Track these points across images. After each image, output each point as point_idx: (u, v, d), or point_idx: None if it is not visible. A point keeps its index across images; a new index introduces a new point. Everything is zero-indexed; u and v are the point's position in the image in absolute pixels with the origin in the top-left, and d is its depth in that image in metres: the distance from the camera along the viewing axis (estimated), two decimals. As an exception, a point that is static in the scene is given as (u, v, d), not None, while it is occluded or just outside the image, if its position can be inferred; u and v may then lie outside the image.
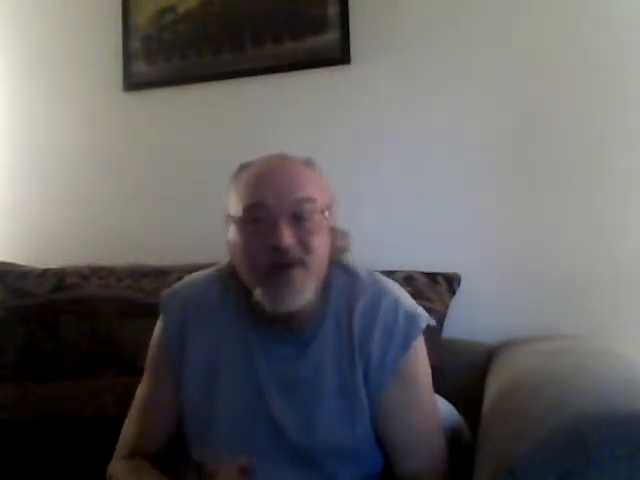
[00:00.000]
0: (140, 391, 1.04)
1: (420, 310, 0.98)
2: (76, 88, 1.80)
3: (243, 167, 0.99)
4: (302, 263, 0.89)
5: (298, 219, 0.90)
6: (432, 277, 1.36)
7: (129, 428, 1.03)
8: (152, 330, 1.06)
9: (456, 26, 1.48)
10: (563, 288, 1.40)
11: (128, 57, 1.73)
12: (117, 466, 0.99)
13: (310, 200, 0.91)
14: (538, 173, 1.43)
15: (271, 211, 0.89)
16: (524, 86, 1.44)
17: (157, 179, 1.72)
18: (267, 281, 0.90)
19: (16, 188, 1.84)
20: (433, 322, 1.01)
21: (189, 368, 0.98)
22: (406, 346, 0.94)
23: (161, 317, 1.05)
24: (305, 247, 0.89)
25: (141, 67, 1.72)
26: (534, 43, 1.43)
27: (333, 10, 1.55)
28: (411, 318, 0.95)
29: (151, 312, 1.35)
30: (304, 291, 0.90)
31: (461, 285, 1.38)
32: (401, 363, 0.93)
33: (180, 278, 1.38)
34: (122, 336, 1.36)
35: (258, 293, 0.91)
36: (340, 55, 1.54)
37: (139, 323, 1.36)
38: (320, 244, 0.92)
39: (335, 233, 0.97)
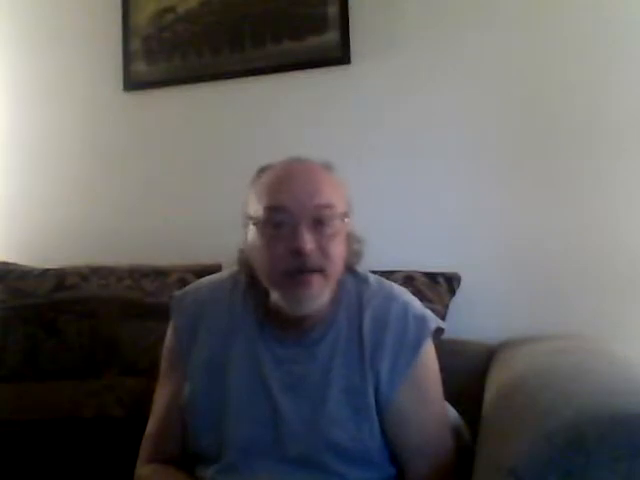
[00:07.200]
0: (157, 395, 1.05)
1: (428, 313, 0.99)
2: (76, 88, 1.80)
3: (263, 169, 0.99)
4: (321, 270, 0.91)
5: (318, 224, 0.91)
6: (432, 277, 1.37)
7: (150, 432, 1.03)
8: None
9: (456, 26, 1.48)
10: (563, 288, 1.40)
11: (128, 57, 1.73)
12: (143, 470, 1.00)
13: (330, 206, 0.92)
14: (539, 173, 1.43)
15: (292, 215, 0.90)
16: (525, 86, 1.44)
17: (157, 179, 1.72)
18: (286, 285, 0.91)
19: (16, 188, 1.84)
20: (443, 324, 1.02)
21: (198, 367, 0.99)
22: (417, 349, 0.95)
23: (172, 319, 1.06)
24: (325, 253, 0.91)
25: (141, 67, 1.72)
26: (536, 42, 1.43)
27: (333, 10, 1.55)
28: (420, 321, 0.97)
29: (151, 312, 1.36)
30: (321, 296, 0.92)
31: (461, 285, 1.38)
32: (412, 366, 0.94)
33: (180, 278, 1.40)
34: (122, 336, 1.36)
35: (276, 295, 0.93)
36: (340, 55, 1.55)
37: (139, 323, 1.36)
38: (338, 250, 0.93)
39: (352, 239, 0.98)
